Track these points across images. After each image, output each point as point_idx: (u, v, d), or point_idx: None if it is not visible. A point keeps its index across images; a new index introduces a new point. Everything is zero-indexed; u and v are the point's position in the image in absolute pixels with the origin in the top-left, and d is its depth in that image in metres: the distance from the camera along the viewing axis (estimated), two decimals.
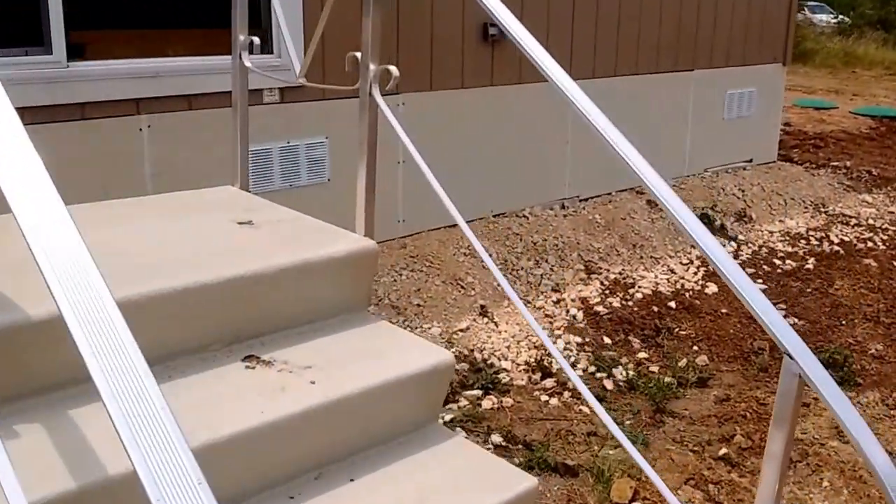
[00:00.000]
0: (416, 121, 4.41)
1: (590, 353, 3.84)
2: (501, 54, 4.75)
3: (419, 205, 4.54)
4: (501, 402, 3.42)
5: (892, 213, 6.16)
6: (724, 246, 5.27)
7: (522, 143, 4.98)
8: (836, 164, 7.42)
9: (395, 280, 4.05)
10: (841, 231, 5.65)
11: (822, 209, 6.12)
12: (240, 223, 2.27)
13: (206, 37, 4.20)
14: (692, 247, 5.19)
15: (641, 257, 4.95)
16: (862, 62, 16.77)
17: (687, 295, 4.53)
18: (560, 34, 5.02)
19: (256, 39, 2.51)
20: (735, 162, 6.48)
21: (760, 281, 4.75)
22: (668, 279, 4.70)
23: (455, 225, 4.76)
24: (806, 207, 6.11)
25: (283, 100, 3.91)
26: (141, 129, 3.62)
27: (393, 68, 2.13)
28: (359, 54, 2.12)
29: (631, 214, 5.33)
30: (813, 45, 17.21)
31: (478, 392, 3.45)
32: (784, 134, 8.60)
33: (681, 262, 4.96)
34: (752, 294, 1.53)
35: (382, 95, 2.13)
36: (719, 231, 5.45)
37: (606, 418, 1.65)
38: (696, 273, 4.82)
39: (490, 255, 4.52)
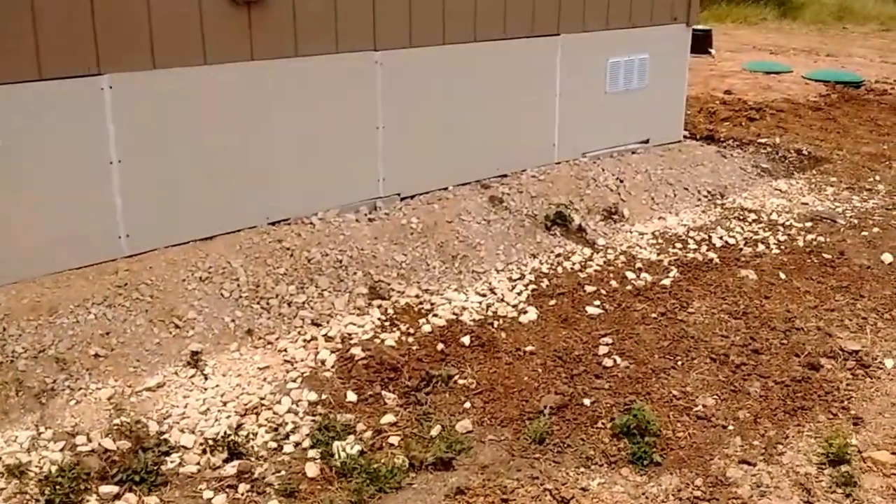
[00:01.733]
0: (138, 108, 3.45)
1: (320, 417, 2.92)
2: (264, 20, 3.75)
3: (153, 216, 3.59)
4: (143, 502, 2.52)
5: (806, 204, 5.10)
6: (574, 253, 4.28)
7: (309, 131, 4.00)
8: (763, 140, 6.34)
9: (76, 321, 3.12)
10: (730, 231, 4.61)
11: (720, 201, 5.07)
12: None
13: None
14: (533, 256, 4.21)
15: (459, 272, 3.98)
16: (856, 17, 15.33)
17: (494, 325, 3.57)
18: None
19: None
20: (625, 144, 5.44)
21: (598, 303, 3.77)
22: (480, 302, 3.74)
23: (212, 237, 3.83)
24: (699, 199, 5.07)
25: None
26: None
27: None
28: None
29: (462, 216, 4.34)
30: None
31: (115, 488, 2.55)
32: (720, 104, 7.49)
33: (509, 278, 3.99)
34: None
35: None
36: (576, 233, 4.45)
37: None
38: (521, 293, 3.85)
39: (237, 279, 3.60)
